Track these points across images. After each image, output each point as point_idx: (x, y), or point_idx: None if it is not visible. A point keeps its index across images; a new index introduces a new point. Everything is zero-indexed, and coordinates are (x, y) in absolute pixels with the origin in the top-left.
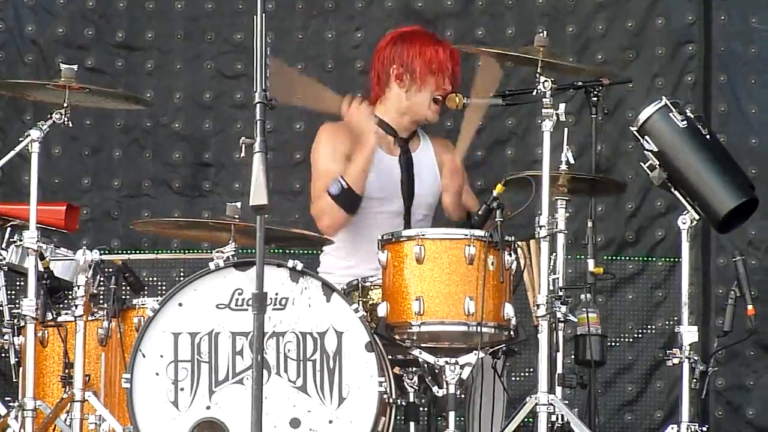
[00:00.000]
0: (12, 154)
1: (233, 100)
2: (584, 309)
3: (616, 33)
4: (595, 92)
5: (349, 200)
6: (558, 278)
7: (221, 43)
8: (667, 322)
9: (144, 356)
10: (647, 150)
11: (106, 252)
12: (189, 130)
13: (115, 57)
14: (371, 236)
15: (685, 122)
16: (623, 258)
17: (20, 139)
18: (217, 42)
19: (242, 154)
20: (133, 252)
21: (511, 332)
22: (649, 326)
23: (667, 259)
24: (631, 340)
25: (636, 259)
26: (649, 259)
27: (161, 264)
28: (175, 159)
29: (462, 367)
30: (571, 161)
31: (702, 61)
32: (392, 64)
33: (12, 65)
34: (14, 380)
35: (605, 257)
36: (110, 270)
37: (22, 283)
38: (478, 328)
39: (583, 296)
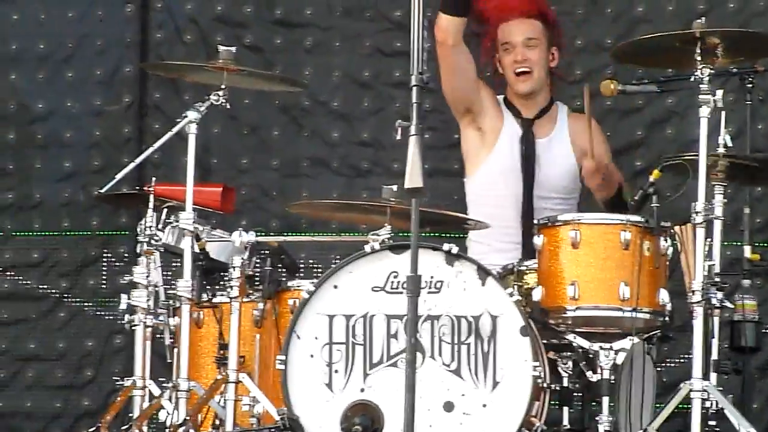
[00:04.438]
0: (169, 135)
1: (392, 79)
2: (742, 296)
3: None
4: (750, 79)
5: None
6: (714, 264)
7: (380, 20)
8: None
9: (299, 338)
10: None
11: (262, 234)
12: (347, 109)
13: (273, 34)
14: (498, 219)
15: None
16: None
17: (177, 120)
18: (377, 19)
19: (398, 137)
20: (291, 234)
21: (666, 318)
22: None
23: None
24: None
25: None
26: None
27: (320, 246)
28: (334, 138)
29: (616, 352)
30: (729, 144)
31: None
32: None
33: (171, 45)
34: (169, 361)
35: (762, 243)
36: (266, 252)
37: (178, 264)
38: (633, 313)
39: (744, 282)
